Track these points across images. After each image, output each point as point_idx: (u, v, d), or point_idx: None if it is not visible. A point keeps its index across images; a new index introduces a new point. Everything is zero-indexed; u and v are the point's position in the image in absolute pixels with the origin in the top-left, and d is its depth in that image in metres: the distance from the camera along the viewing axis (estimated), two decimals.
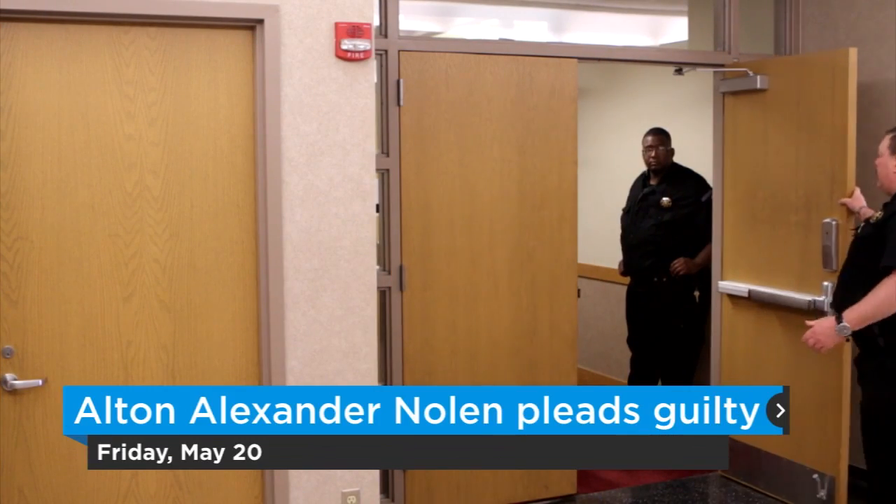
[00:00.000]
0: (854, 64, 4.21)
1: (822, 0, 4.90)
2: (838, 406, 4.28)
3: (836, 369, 4.28)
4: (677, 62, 5.01)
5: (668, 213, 5.46)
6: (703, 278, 5.33)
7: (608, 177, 6.45)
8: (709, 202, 5.22)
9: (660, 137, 5.55)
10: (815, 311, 4.31)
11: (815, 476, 4.39)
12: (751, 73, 4.69)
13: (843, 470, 4.30)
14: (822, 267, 4.32)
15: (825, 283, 4.31)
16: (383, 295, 4.26)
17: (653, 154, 5.52)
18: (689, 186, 5.47)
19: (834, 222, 4.28)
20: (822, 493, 4.36)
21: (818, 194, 4.38)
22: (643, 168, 5.68)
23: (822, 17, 4.91)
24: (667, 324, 5.53)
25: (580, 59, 4.61)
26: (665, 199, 5.45)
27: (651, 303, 5.57)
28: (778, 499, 4.66)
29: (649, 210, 5.53)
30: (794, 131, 4.51)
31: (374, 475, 3.69)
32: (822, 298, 4.31)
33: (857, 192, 4.23)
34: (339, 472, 3.62)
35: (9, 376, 3.25)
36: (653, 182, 5.56)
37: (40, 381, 3.28)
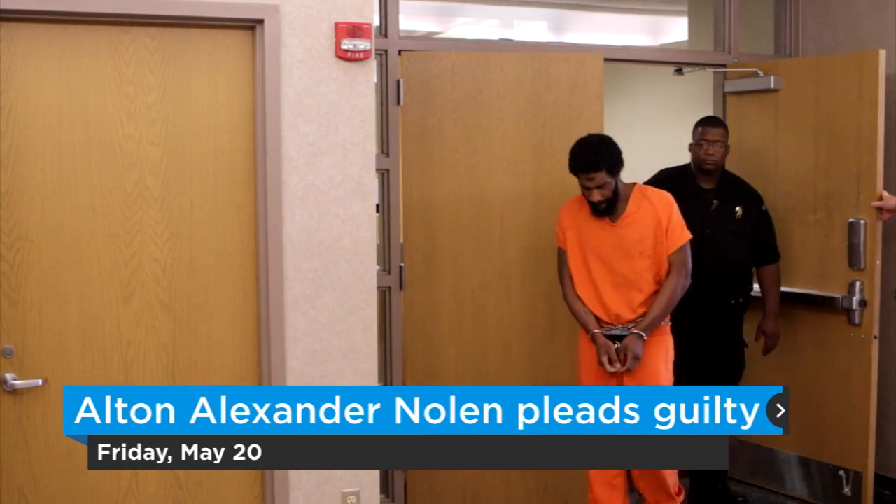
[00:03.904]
0: (883, 65, 4.26)
1: (822, 0, 4.91)
2: (866, 402, 4.33)
3: (866, 366, 4.32)
4: (677, 62, 5.01)
5: (740, 224, 4.54)
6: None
7: None
8: (767, 213, 4.60)
9: (726, 132, 4.59)
10: (843, 310, 4.38)
11: (841, 472, 4.42)
12: (761, 73, 4.70)
13: (870, 466, 4.35)
14: (847, 266, 4.38)
15: (851, 282, 4.35)
16: (383, 295, 4.26)
17: (711, 151, 4.50)
18: (749, 193, 4.61)
19: (862, 222, 4.31)
20: (847, 490, 4.39)
21: (841, 194, 4.42)
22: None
23: (822, 17, 4.91)
24: (736, 344, 4.65)
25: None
26: (739, 209, 4.52)
27: (717, 327, 4.57)
28: (791, 496, 4.69)
29: (717, 223, 4.49)
30: (812, 132, 4.54)
31: (374, 475, 3.69)
32: (848, 296, 4.37)
33: (886, 193, 4.28)
34: (338, 472, 3.62)
35: (9, 376, 3.25)
36: (706, 186, 4.55)
37: (40, 381, 3.27)
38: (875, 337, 4.32)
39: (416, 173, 4.26)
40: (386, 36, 4.20)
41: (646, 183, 4.52)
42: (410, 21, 6.11)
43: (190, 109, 3.42)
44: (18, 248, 3.25)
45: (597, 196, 3.84)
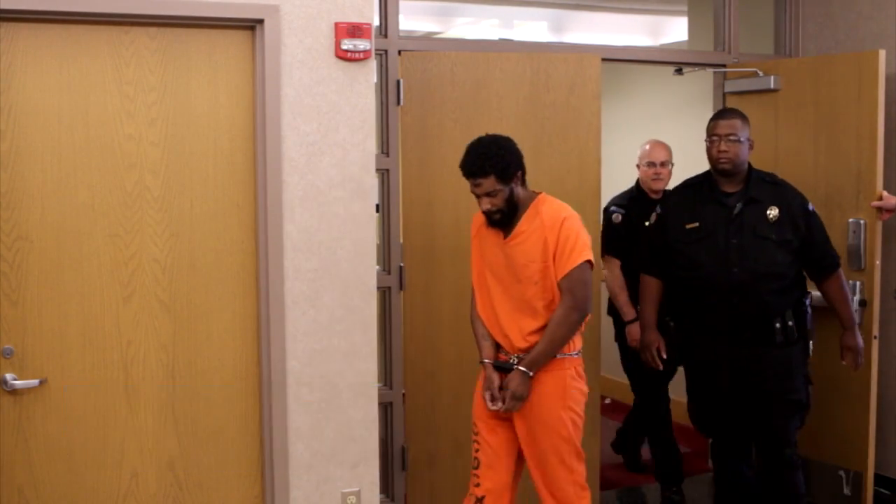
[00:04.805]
0: (883, 65, 4.28)
1: (822, 0, 4.91)
2: (866, 402, 4.35)
3: (865, 366, 4.31)
4: (677, 62, 5.01)
5: (776, 229, 3.83)
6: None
7: (607, 179, 6.43)
8: (815, 213, 3.94)
9: (742, 123, 3.93)
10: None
11: (840, 472, 4.42)
12: (761, 73, 4.70)
13: (870, 466, 4.37)
14: (847, 266, 4.37)
15: (852, 282, 4.35)
16: (383, 295, 4.26)
17: (723, 147, 3.87)
18: (787, 192, 3.92)
19: (862, 222, 4.32)
20: (847, 490, 4.39)
21: (841, 194, 4.44)
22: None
23: (822, 17, 4.92)
24: (789, 379, 3.92)
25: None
26: (773, 211, 3.84)
27: (760, 355, 3.87)
28: None
29: (743, 231, 3.84)
30: (811, 132, 4.55)
31: (374, 475, 3.69)
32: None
33: (885, 193, 4.29)
34: (338, 472, 3.62)
35: (9, 376, 3.25)
36: (728, 189, 3.92)
37: (40, 381, 3.28)
38: (875, 337, 4.33)
39: (416, 173, 4.26)
40: (386, 36, 4.20)
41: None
42: (410, 21, 6.11)
43: (190, 109, 3.42)
44: (18, 248, 3.25)
45: (486, 205, 3.39)
